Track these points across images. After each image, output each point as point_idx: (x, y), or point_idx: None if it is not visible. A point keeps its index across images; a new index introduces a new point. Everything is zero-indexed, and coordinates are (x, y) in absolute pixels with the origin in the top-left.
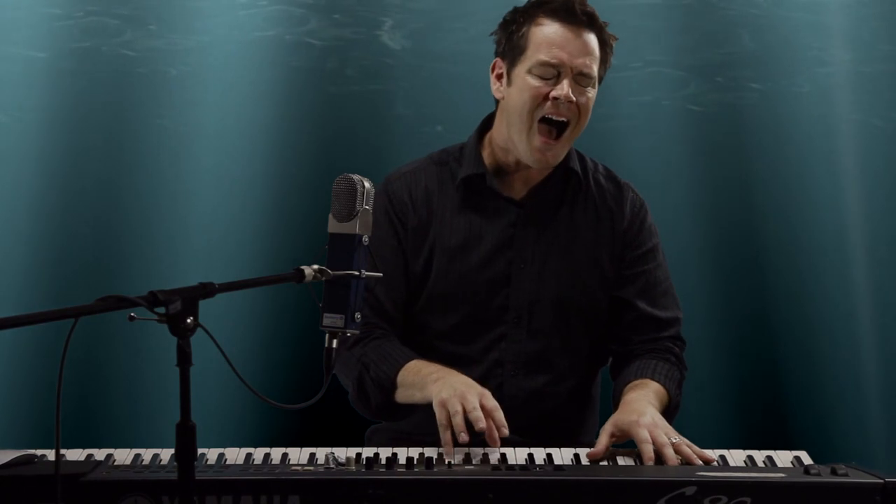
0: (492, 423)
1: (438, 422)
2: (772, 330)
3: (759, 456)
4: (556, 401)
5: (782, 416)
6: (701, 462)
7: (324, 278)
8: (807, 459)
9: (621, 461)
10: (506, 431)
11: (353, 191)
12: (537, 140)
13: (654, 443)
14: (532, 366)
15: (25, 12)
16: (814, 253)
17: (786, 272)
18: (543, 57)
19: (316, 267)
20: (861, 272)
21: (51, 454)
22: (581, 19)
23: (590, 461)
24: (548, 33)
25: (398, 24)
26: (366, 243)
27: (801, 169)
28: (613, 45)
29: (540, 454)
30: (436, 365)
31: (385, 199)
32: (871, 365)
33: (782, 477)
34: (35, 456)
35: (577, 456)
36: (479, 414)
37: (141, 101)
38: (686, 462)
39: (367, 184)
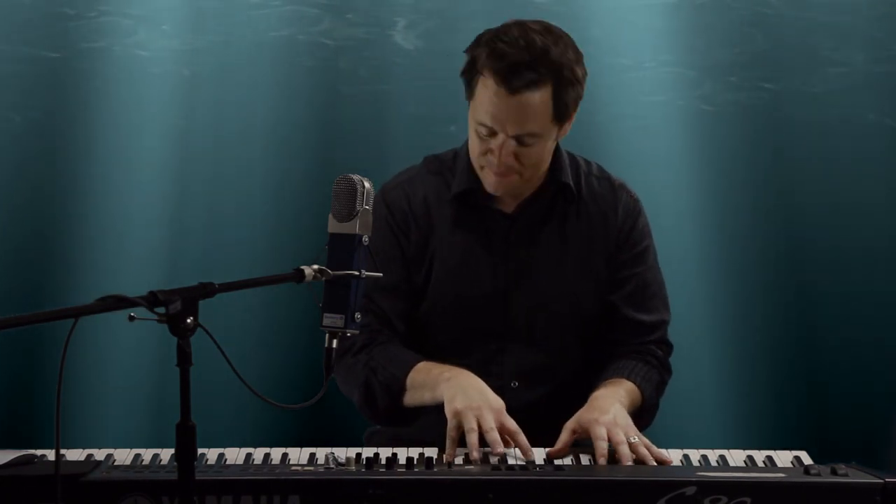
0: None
1: (448, 433)
2: (772, 330)
3: (759, 456)
4: (557, 409)
5: (782, 416)
6: (655, 463)
7: (324, 278)
8: (807, 459)
9: (584, 460)
10: (532, 455)
11: (352, 191)
12: (487, 176)
13: (609, 440)
14: (533, 377)
15: (39, 12)
16: (819, 253)
17: (790, 272)
18: (480, 118)
19: (316, 267)
20: (860, 271)
21: (51, 454)
22: (518, 90)
23: (550, 458)
24: (486, 95)
25: (411, 23)
26: (366, 243)
27: (813, 169)
28: (582, 75)
29: (540, 454)
30: (446, 365)
31: (384, 210)
32: (872, 364)
33: (782, 477)
34: (35, 456)
35: (577, 456)
36: (496, 436)
37: (154, 102)
38: (640, 462)
39: (367, 184)
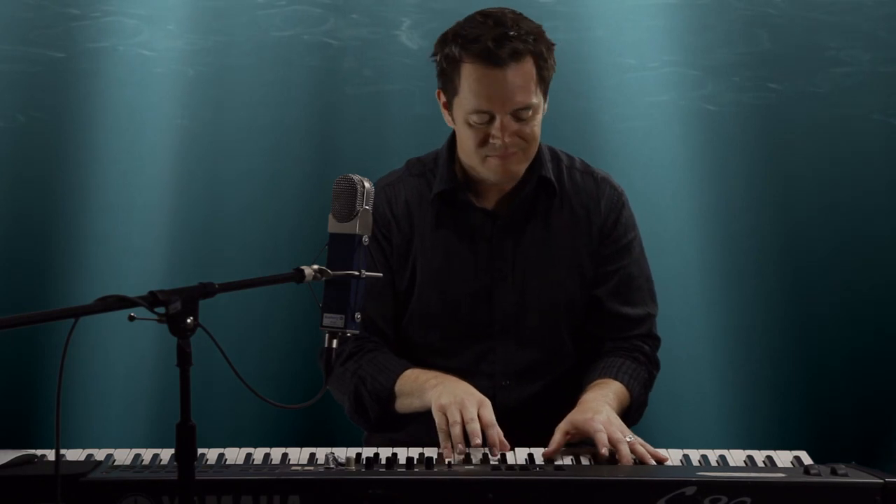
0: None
1: (438, 427)
2: (772, 330)
3: (759, 456)
4: (549, 406)
5: (782, 416)
6: (654, 461)
7: (324, 278)
8: (807, 459)
9: (584, 460)
10: (496, 451)
11: (353, 191)
12: (493, 164)
13: (609, 439)
14: (523, 375)
15: (43, 12)
16: (821, 252)
17: (791, 272)
18: (473, 106)
19: (316, 267)
20: (862, 271)
21: (51, 454)
22: (503, 61)
23: (545, 459)
24: (474, 80)
25: (416, 23)
26: (366, 243)
27: (818, 168)
28: (552, 46)
29: (540, 454)
30: (433, 372)
31: None
32: (872, 364)
33: (782, 477)
34: (35, 456)
35: (576, 456)
36: (477, 427)
37: (159, 101)
38: (640, 461)
39: (367, 184)
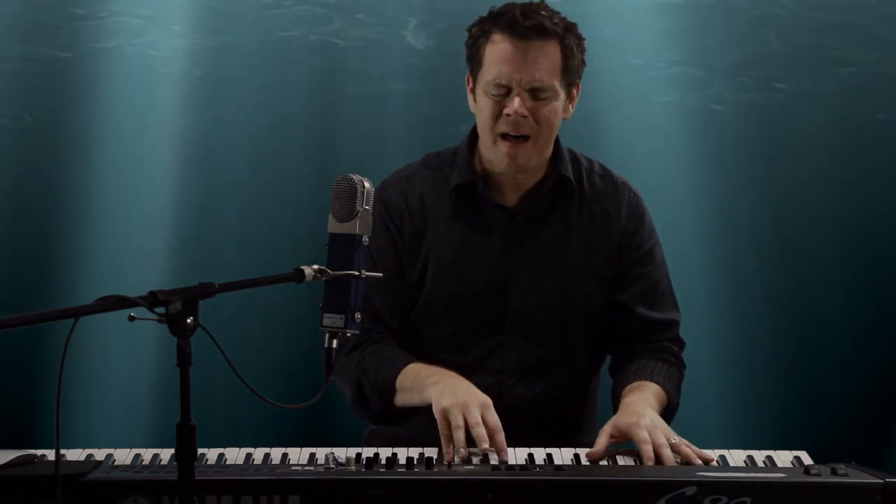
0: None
1: (440, 431)
2: (771, 330)
3: (759, 456)
4: (555, 406)
5: (782, 416)
6: (700, 462)
7: (324, 278)
8: (807, 459)
9: (621, 461)
10: (505, 456)
11: (353, 191)
12: (502, 148)
13: (652, 443)
14: (531, 373)
15: (49, 12)
16: (822, 253)
17: (792, 272)
18: (492, 76)
19: (316, 267)
20: (862, 271)
21: (51, 454)
22: (527, 33)
23: (589, 461)
24: (497, 50)
25: (422, 23)
26: (366, 243)
27: (822, 168)
28: (583, 44)
29: (540, 454)
30: (434, 367)
31: (380, 206)
32: (872, 364)
33: (782, 477)
34: (35, 456)
35: (577, 456)
36: (483, 431)
37: (164, 101)
38: (685, 462)
39: (367, 184)
